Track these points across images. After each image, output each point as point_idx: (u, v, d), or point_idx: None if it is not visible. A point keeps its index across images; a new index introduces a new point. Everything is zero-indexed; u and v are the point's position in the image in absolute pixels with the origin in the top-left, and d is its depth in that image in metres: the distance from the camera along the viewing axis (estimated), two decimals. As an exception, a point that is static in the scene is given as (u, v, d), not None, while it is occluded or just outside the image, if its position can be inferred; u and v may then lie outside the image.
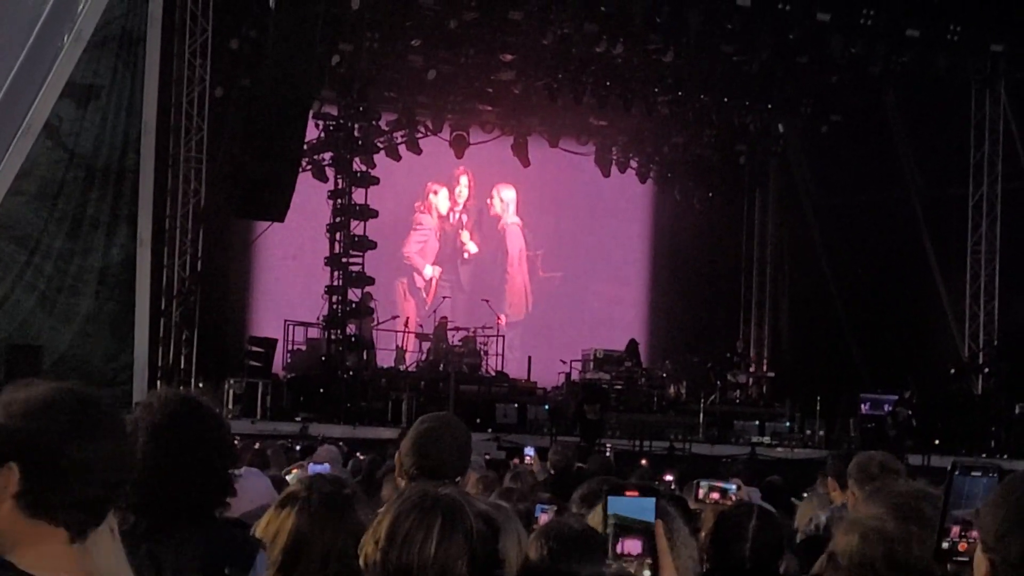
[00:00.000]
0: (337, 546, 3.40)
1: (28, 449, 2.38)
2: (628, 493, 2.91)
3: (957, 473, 2.62)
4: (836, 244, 27.26)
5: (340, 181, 23.10)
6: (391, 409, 21.69)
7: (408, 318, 26.26)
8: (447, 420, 4.69)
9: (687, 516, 5.00)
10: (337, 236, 22.86)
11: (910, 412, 22.58)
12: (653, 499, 2.90)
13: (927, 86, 24.53)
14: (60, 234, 19.15)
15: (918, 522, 3.01)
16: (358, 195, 22.83)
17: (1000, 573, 2.39)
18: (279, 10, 19.01)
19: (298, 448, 14.72)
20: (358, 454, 13.68)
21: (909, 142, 25.91)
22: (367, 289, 23.12)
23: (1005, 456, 21.80)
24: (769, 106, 27.33)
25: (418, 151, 25.95)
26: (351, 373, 22.27)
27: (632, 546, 2.85)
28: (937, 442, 21.97)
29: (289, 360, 23.47)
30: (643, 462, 14.90)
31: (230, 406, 20.43)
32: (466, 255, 28.28)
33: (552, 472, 11.23)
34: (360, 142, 23.37)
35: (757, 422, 24.19)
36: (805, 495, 9.55)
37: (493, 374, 24.84)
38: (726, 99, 26.53)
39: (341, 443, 15.43)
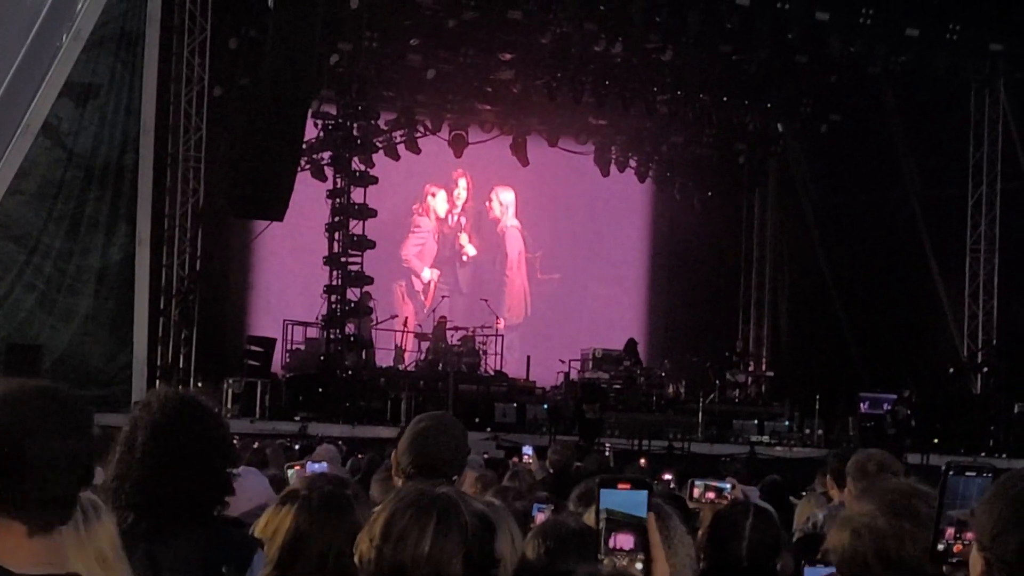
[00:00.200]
0: (335, 546, 3.39)
1: None
2: (620, 486, 2.90)
3: (951, 474, 2.62)
4: (835, 243, 27.26)
5: (339, 180, 23.10)
6: (390, 408, 21.68)
7: (407, 318, 26.26)
8: (443, 419, 4.70)
9: (685, 515, 5.01)
10: (336, 235, 22.85)
11: (909, 411, 22.58)
12: (645, 492, 2.89)
13: (926, 86, 24.53)
14: (59, 233, 19.16)
15: (910, 519, 3.01)
16: (357, 194, 22.82)
17: (996, 572, 2.39)
18: (278, 9, 19.00)
19: (297, 447, 14.71)
20: (358, 455, 13.67)
21: (908, 142, 25.90)
22: (366, 289, 23.11)
23: (1004, 455, 21.80)
24: (768, 106, 27.33)
25: (417, 151, 25.94)
26: (350, 372, 22.27)
27: (624, 541, 2.84)
28: (936, 441, 21.97)
29: (288, 359, 23.46)
30: (642, 461, 14.90)
31: (229, 405, 20.42)
32: (465, 258, 28.23)
33: (551, 471, 11.22)
34: (359, 141, 23.37)
35: (756, 421, 24.18)
36: (804, 494, 9.55)
37: (492, 373, 24.83)
38: (725, 98, 26.54)
39: (340, 442, 15.43)
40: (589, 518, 3.25)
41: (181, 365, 21.36)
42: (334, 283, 22.73)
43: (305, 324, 23.60)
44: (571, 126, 27.47)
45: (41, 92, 18.28)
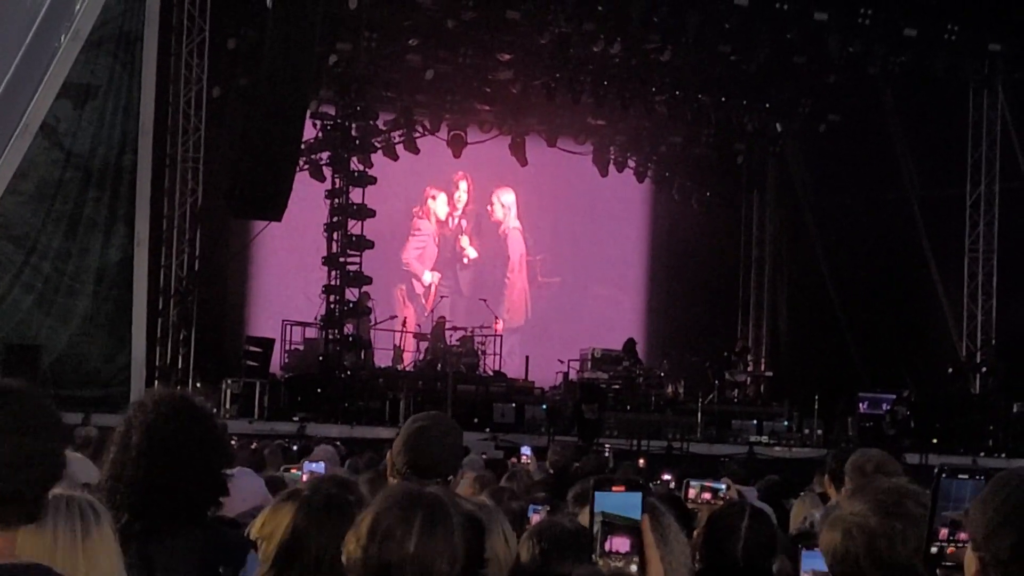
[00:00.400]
0: (331, 550, 3.38)
1: None
2: (615, 489, 2.90)
3: (944, 476, 2.61)
4: (834, 244, 27.25)
5: (338, 181, 23.09)
6: (388, 409, 21.66)
7: (405, 318, 26.25)
8: (439, 419, 4.69)
9: (684, 516, 5.00)
10: (335, 236, 22.85)
11: (908, 411, 22.58)
12: (640, 494, 2.89)
13: (925, 86, 24.51)
14: (57, 234, 19.15)
15: (901, 518, 3.01)
16: (355, 195, 22.81)
17: (990, 571, 2.38)
18: (277, 10, 18.99)
19: (295, 448, 14.70)
20: (357, 455, 13.66)
21: (907, 142, 25.90)
22: (365, 289, 23.11)
23: (1003, 455, 21.81)
24: (767, 106, 27.33)
25: (416, 151, 25.93)
26: (349, 373, 22.26)
27: (620, 544, 2.84)
28: (935, 441, 21.95)
29: (287, 360, 23.46)
30: (641, 462, 14.88)
31: (227, 406, 20.43)
32: (466, 260, 28.19)
33: (551, 472, 11.22)
34: (358, 141, 23.36)
35: (755, 421, 24.18)
36: (802, 494, 9.54)
37: (491, 374, 24.82)
38: (724, 99, 26.53)
39: (338, 443, 15.42)
40: (584, 518, 3.24)
41: (180, 366, 21.38)
42: (333, 283, 22.72)
43: (304, 324, 23.60)
44: (570, 126, 27.47)
45: (39, 92, 18.27)
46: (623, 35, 23.29)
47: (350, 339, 22.79)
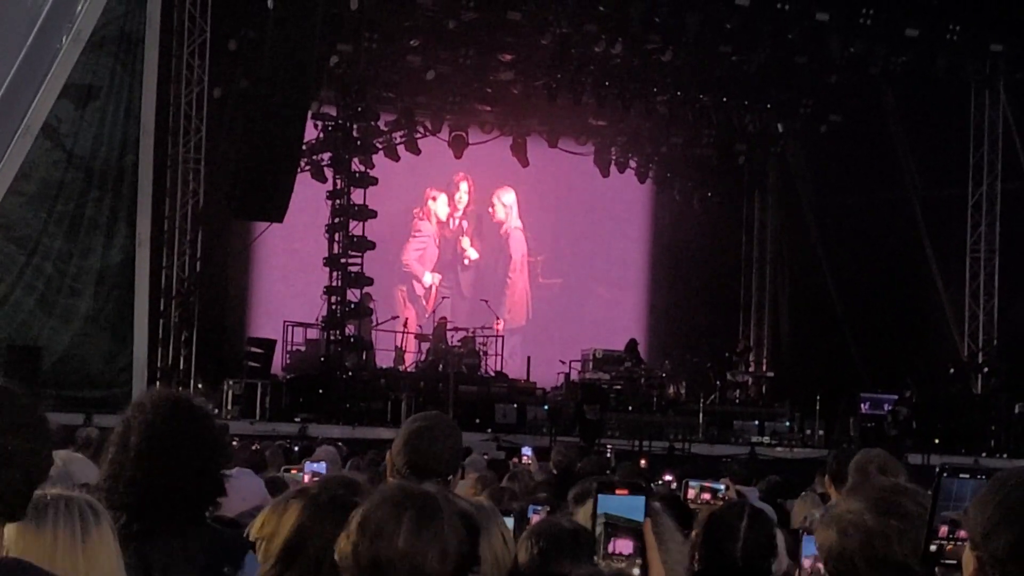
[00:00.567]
0: (332, 551, 3.37)
1: None
2: (618, 492, 2.91)
3: (945, 476, 2.61)
4: (835, 244, 27.25)
5: (339, 181, 23.08)
6: (390, 409, 21.65)
7: (407, 319, 26.25)
8: (438, 419, 4.69)
9: (684, 516, 5.00)
10: (336, 237, 22.84)
11: (910, 412, 22.57)
12: (643, 497, 2.90)
13: (926, 86, 24.51)
14: (59, 235, 19.16)
15: (897, 517, 3.00)
16: (357, 195, 22.81)
17: (987, 570, 2.38)
18: (277, 11, 19.00)
19: (297, 449, 14.71)
20: (359, 457, 13.65)
21: (908, 142, 25.90)
22: (366, 290, 23.11)
23: (1004, 455, 21.79)
24: (768, 106, 27.32)
25: (417, 151, 25.93)
26: (350, 374, 22.26)
27: (623, 546, 2.85)
28: (937, 442, 21.95)
29: (288, 361, 23.47)
30: (642, 462, 14.88)
31: (229, 407, 20.43)
32: (466, 261, 28.19)
33: (555, 472, 11.21)
34: (359, 142, 23.36)
35: (757, 422, 24.18)
36: (803, 494, 9.54)
37: (492, 374, 24.82)
38: (725, 99, 26.53)
39: (340, 443, 15.41)
40: (579, 516, 3.25)
41: (181, 366, 21.38)
42: (334, 284, 22.72)
43: (305, 325, 23.60)
44: (571, 127, 27.47)
45: (41, 93, 18.29)
46: (624, 36, 23.29)
47: (351, 340, 22.79)
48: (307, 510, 3.37)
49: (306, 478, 7.66)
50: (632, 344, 25.74)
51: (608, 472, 10.87)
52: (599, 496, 2.92)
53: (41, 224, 19.04)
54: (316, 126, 23.29)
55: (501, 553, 3.39)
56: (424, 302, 27.43)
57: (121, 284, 19.25)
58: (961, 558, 2.48)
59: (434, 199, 27.81)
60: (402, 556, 2.70)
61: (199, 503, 3.49)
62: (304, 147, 21.92)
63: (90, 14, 18.37)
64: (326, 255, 22.91)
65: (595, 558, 2.92)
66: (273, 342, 22.79)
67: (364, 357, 23.28)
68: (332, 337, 22.71)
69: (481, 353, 24.77)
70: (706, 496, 5.49)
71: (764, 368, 28.97)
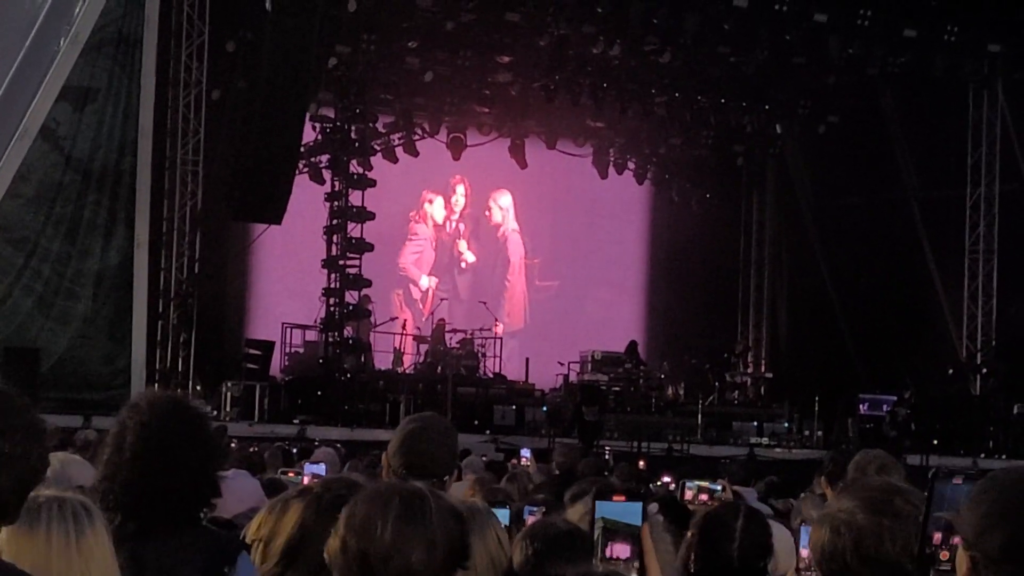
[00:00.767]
0: None
1: None
2: (615, 498, 2.93)
3: (938, 480, 2.61)
4: (834, 245, 27.25)
5: (337, 183, 23.09)
6: (389, 411, 21.66)
7: (405, 321, 26.24)
8: (434, 420, 4.70)
9: (682, 517, 5.00)
10: (334, 238, 22.85)
11: (908, 412, 22.58)
12: (640, 503, 2.92)
13: (925, 87, 24.53)
14: (57, 237, 19.15)
15: (889, 516, 3.01)
16: (355, 197, 22.82)
17: (981, 569, 2.38)
18: (276, 12, 19.00)
19: (295, 451, 14.69)
20: (358, 459, 13.64)
21: (906, 143, 25.91)
22: (364, 292, 23.10)
23: (1003, 456, 21.80)
24: (766, 107, 27.33)
25: (415, 153, 25.92)
26: (349, 375, 22.26)
27: (621, 550, 2.87)
28: (936, 443, 21.96)
29: (287, 363, 23.47)
30: (641, 463, 14.88)
31: (227, 408, 20.44)
32: (463, 264, 28.16)
33: (557, 473, 11.20)
34: (357, 144, 23.37)
35: (755, 423, 24.20)
36: (802, 495, 9.54)
37: (491, 376, 24.82)
38: (723, 100, 26.54)
39: (339, 445, 15.41)
40: (572, 515, 3.25)
41: (180, 368, 21.38)
42: (332, 286, 22.72)
43: (303, 327, 23.60)
44: (569, 128, 27.46)
45: (39, 95, 18.28)
46: (622, 37, 23.29)
47: (350, 342, 22.79)
48: (309, 510, 3.38)
49: (305, 480, 7.66)
50: (632, 346, 25.76)
51: (606, 473, 10.87)
52: (597, 503, 2.94)
53: (39, 226, 19.03)
54: (314, 128, 23.30)
55: (496, 554, 3.39)
56: (421, 306, 27.41)
57: (119, 286, 19.24)
58: (954, 563, 2.48)
59: (430, 202, 27.77)
60: (388, 550, 2.71)
61: (194, 504, 3.48)
62: (302, 149, 21.92)
63: (88, 16, 18.37)
64: (324, 257, 22.92)
65: (594, 562, 2.93)
66: (272, 344, 22.79)
67: (363, 359, 23.28)
68: (330, 339, 22.71)
69: (480, 355, 24.77)
70: (704, 497, 5.49)
71: (763, 369, 28.97)
